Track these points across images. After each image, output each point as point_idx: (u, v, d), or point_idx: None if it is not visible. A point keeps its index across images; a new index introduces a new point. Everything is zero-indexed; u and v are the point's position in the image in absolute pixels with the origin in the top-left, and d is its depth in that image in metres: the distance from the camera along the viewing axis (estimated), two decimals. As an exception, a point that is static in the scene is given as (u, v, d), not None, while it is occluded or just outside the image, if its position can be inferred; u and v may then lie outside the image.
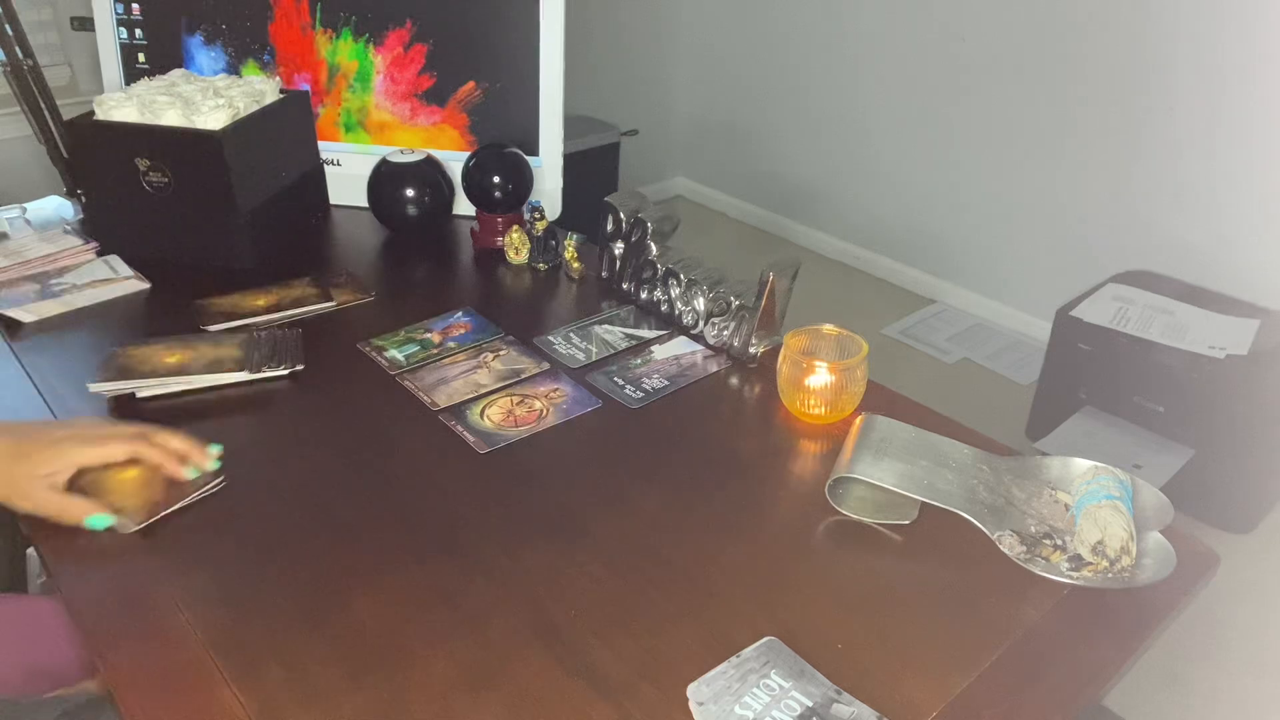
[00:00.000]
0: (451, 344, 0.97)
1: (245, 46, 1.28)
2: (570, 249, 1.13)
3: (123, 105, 1.07)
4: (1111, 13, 2.15)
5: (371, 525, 0.72)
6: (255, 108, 1.12)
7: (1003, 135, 2.47)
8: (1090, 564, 0.68)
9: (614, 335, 1.00)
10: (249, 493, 0.76)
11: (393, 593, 0.66)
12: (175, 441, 0.75)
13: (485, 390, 0.90)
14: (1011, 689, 0.60)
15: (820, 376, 0.84)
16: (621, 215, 1.05)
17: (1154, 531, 0.71)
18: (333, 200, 1.30)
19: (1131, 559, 0.67)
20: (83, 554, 0.69)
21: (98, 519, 0.70)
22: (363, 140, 1.29)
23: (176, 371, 0.88)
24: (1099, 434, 1.91)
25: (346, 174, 1.29)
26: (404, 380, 0.91)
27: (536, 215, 1.14)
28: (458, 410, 0.87)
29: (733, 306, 0.95)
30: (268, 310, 1.01)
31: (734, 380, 0.94)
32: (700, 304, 0.98)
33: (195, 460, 0.75)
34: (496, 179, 1.16)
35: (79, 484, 0.71)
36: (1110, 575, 0.67)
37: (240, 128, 1.08)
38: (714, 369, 0.95)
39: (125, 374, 0.87)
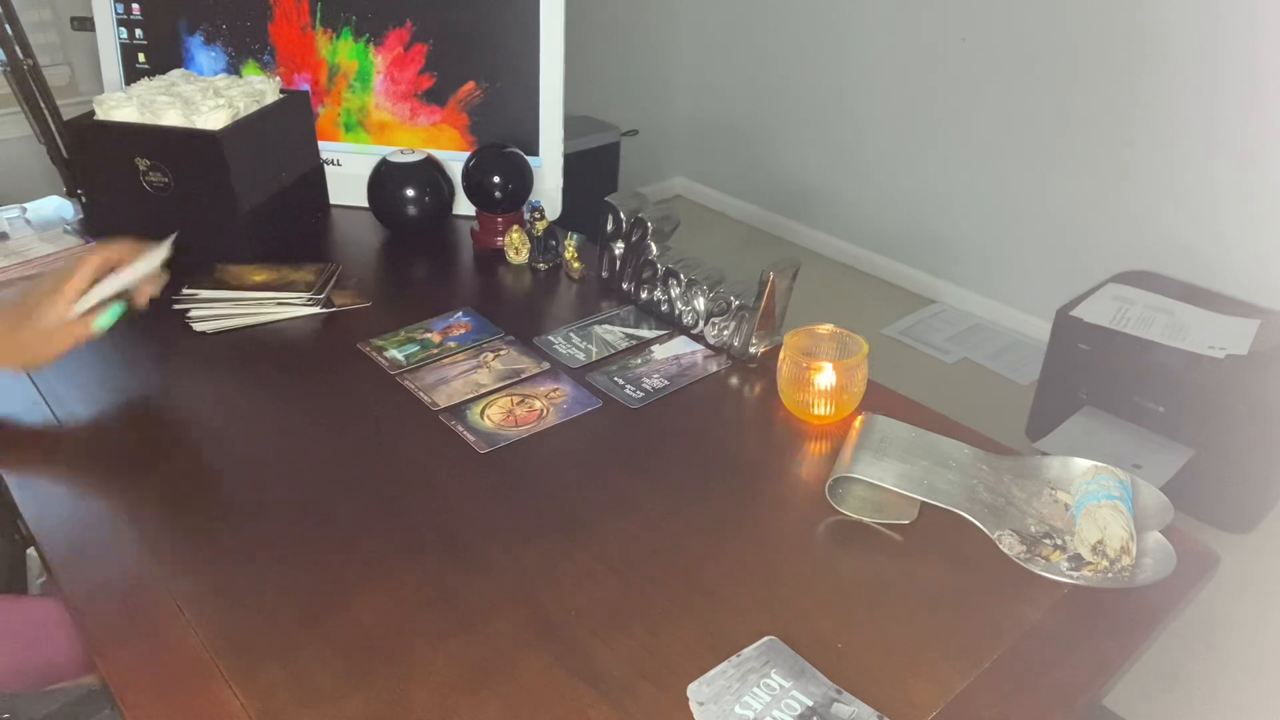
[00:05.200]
0: (451, 344, 0.97)
1: (245, 46, 1.28)
2: (570, 249, 1.13)
3: (123, 105, 1.07)
4: (1111, 13, 2.15)
5: (372, 525, 0.72)
6: (255, 108, 1.12)
7: (1003, 135, 2.47)
8: (1090, 564, 0.68)
9: (614, 335, 1.00)
10: (249, 492, 0.76)
11: (393, 592, 0.66)
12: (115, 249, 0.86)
13: (485, 390, 0.90)
14: (1011, 689, 0.60)
15: (821, 376, 0.83)
16: (621, 215, 1.05)
17: (1154, 531, 0.71)
18: (333, 200, 1.30)
19: (1131, 559, 0.67)
20: (83, 552, 0.69)
21: (107, 317, 0.83)
22: (363, 140, 1.29)
23: (258, 287, 1.04)
24: (1099, 434, 1.91)
25: (346, 174, 1.29)
26: (404, 380, 0.91)
27: (536, 215, 1.14)
28: (458, 410, 0.87)
29: (733, 306, 0.95)
30: (262, 287, 1.04)
31: (734, 380, 0.94)
32: (700, 304, 0.98)
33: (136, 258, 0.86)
34: (496, 179, 1.16)
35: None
36: (1110, 575, 0.67)
37: (240, 128, 1.08)
38: (714, 369, 0.95)
39: (219, 284, 1.03)
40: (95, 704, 0.84)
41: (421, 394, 0.89)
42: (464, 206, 1.22)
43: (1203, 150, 2.09)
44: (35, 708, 0.82)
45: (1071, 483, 0.75)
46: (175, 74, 1.18)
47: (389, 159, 1.18)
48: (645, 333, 1.01)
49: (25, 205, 1.23)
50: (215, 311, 1.00)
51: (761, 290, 0.92)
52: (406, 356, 0.95)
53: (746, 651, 0.61)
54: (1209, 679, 1.54)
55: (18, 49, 1.20)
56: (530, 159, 1.19)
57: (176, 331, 0.98)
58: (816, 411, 0.85)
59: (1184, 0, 2.02)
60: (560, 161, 1.28)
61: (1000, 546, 0.70)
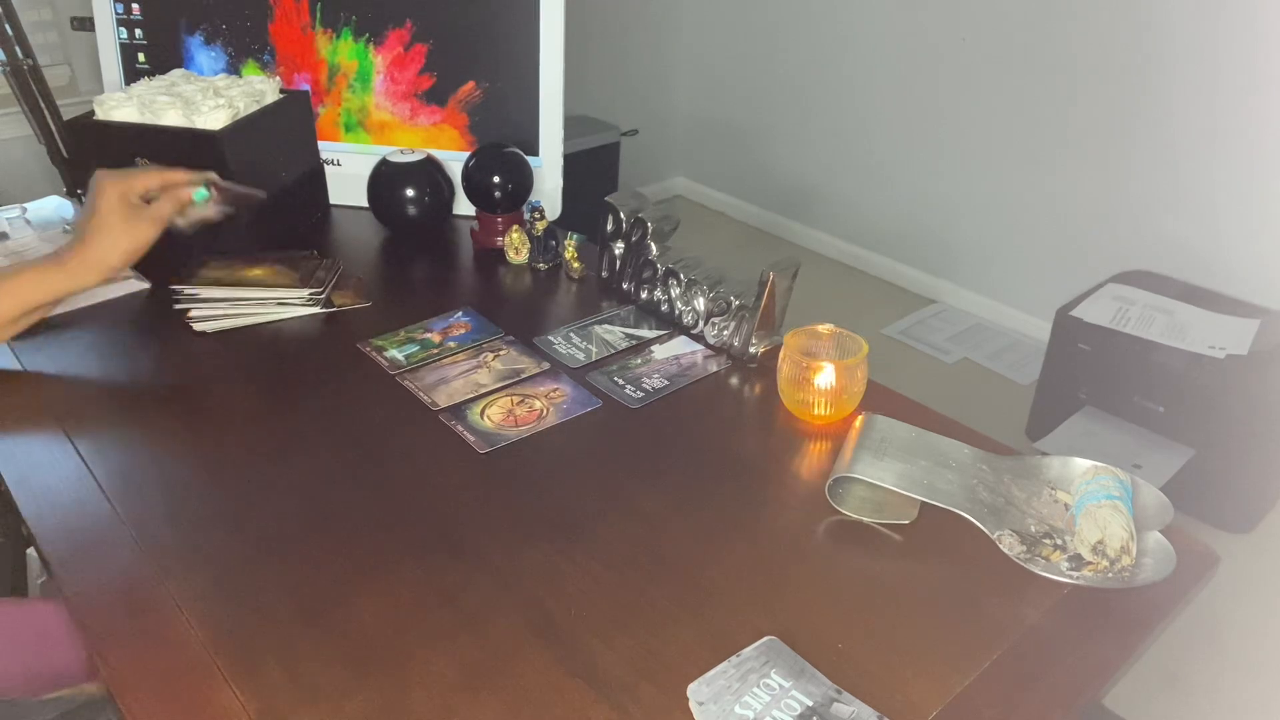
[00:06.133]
0: (451, 344, 0.97)
1: (245, 46, 1.28)
2: (570, 249, 1.13)
3: (123, 105, 1.07)
4: (1112, 13, 2.15)
5: (372, 525, 0.72)
6: (255, 108, 1.12)
7: (1003, 135, 2.47)
8: (1090, 564, 0.68)
9: (614, 335, 1.00)
10: (249, 492, 0.76)
11: (393, 592, 0.66)
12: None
13: (485, 390, 0.90)
14: (1011, 689, 0.60)
15: (821, 376, 0.83)
16: (621, 215, 1.05)
17: (1154, 531, 0.71)
18: (333, 200, 1.30)
19: (1131, 559, 0.67)
20: (83, 552, 0.69)
21: (200, 192, 0.93)
22: (363, 140, 1.29)
23: (250, 283, 1.02)
24: (1099, 434, 1.91)
25: (346, 174, 1.29)
26: (404, 380, 0.91)
27: (536, 215, 1.14)
28: (458, 410, 0.87)
29: (733, 306, 0.95)
30: (259, 284, 1.03)
31: (734, 380, 0.94)
32: (700, 304, 0.98)
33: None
34: (496, 179, 1.16)
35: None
36: (1110, 575, 0.67)
37: (240, 128, 1.08)
38: (714, 369, 0.95)
39: (209, 281, 1.02)
40: (95, 711, 0.84)
41: (421, 394, 0.89)
42: (464, 206, 1.22)
43: (1203, 150, 2.09)
44: (35, 715, 0.82)
45: (1071, 483, 0.75)
46: (175, 74, 1.18)
47: (389, 159, 1.18)
48: (645, 333, 1.01)
49: (25, 205, 1.23)
50: (215, 311, 1.00)
51: (761, 290, 0.92)
52: (406, 356, 0.95)
53: (746, 651, 0.61)
54: (1209, 679, 1.54)
55: (18, 49, 1.21)
56: (530, 159, 1.19)
57: (177, 331, 0.98)
58: (816, 411, 0.85)
59: (1185, 1, 2.02)
60: (560, 161, 1.28)
61: (1000, 546, 0.70)
